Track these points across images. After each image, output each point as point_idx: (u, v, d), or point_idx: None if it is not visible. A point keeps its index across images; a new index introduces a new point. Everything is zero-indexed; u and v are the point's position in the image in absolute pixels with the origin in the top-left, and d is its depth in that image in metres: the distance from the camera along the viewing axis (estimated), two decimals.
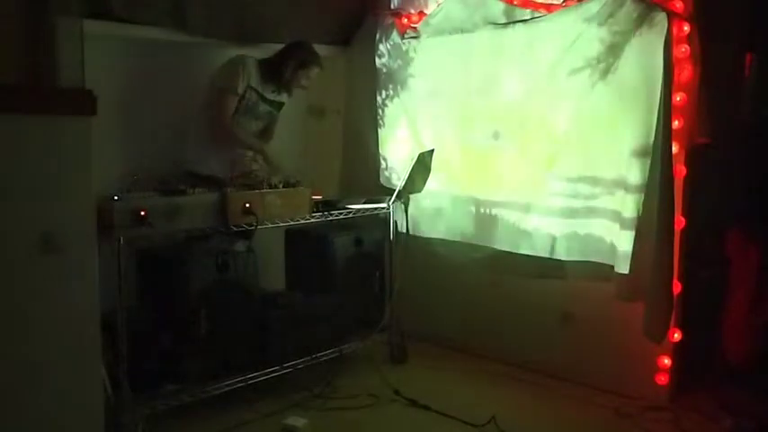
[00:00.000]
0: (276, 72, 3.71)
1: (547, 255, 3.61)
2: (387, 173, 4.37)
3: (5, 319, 2.28)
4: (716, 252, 3.61)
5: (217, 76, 3.67)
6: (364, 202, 3.82)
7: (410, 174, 3.81)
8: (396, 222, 3.95)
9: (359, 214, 3.78)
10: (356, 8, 4.42)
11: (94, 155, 2.43)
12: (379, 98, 4.36)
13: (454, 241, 4.05)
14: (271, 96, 3.78)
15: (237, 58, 3.67)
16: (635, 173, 3.27)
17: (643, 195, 3.23)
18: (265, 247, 3.47)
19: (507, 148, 3.76)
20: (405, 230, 3.95)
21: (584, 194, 3.48)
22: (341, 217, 3.67)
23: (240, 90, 3.60)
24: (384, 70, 4.33)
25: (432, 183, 4.00)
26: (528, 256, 3.68)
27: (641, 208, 3.24)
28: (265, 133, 3.94)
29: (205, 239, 3.17)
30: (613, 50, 3.29)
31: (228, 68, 3.64)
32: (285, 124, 4.04)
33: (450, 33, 3.96)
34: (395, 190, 3.87)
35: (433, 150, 3.90)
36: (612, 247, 3.37)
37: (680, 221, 3.26)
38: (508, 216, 3.78)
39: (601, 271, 3.41)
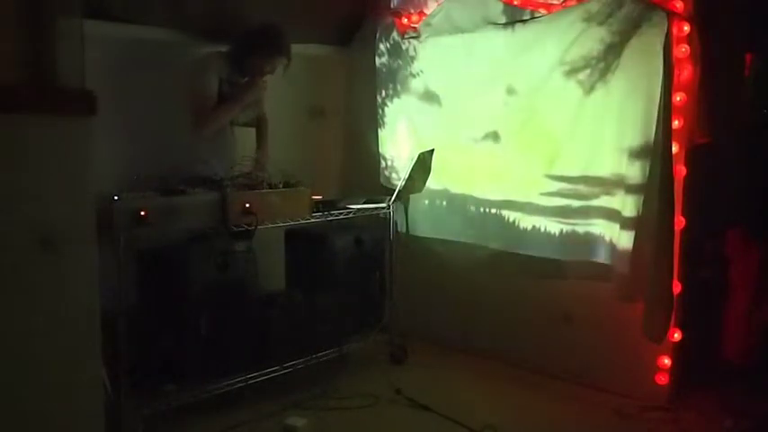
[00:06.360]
0: (238, 59, 3.58)
1: (546, 255, 3.62)
2: (387, 173, 4.37)
3: (5, 318, 2.28)
4: (716, 252, 3.61)
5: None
6: (364, 202, 3.81)
7: (410, 174, 3.81)
8: (396, 222, 3.95)
9: (359, 214, 3.78)
10: (356, 8, 4.42)
11: (94, 155, 2.43)
12: (379, 98, 4.36)
13: (454, 241, 4.05)
14: (242, 82, 3.64)
15: (199, 62, 3.59)
16: (635, 173, 3.27)
17: (643, 195, 3.24)
18: (265, 247, 3.46)
19: (507, 147, 3.77)
20: (405, 230, 3.95)
21: (584, 194, 3.48)
22: (341, 217, 3.67)
23: (212, 86, 3.52)
24: (384, 70, 4.33)
25: (432, 183, 4.01)
26: (527, 256, 3.69)
27: (641, 208, 3.25)
28: (260, 122, 3.88)
29: (205, 239, 3.17)
30: (613, 50, 3.29)
31: (192, 76, 3.57)
32: (285, 124, 4.03)
33: (450, 33, 3.96)
34: (395, 190, 3.87)
35: (433, 150, 3.89)
36: (612, 247, 3.38)
37: (680, 221, 3.26)
38: (508, 216, 3.79)
39: (600, 271, 3.41)
